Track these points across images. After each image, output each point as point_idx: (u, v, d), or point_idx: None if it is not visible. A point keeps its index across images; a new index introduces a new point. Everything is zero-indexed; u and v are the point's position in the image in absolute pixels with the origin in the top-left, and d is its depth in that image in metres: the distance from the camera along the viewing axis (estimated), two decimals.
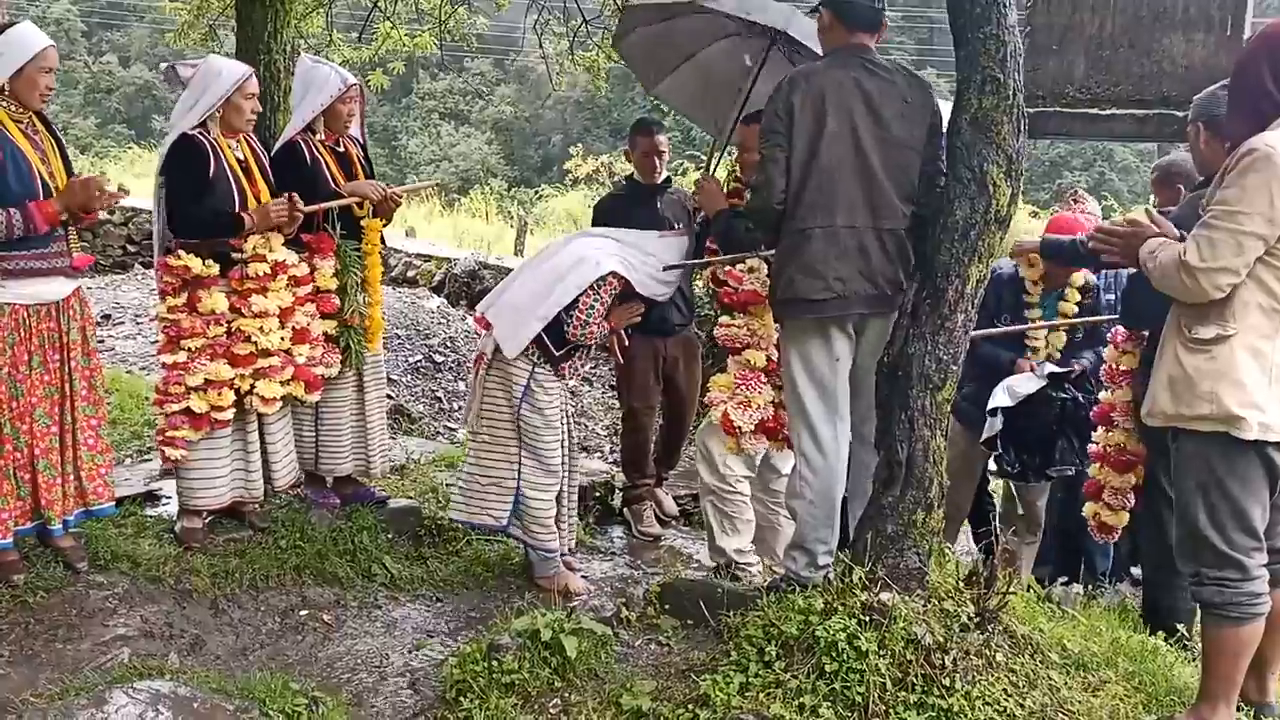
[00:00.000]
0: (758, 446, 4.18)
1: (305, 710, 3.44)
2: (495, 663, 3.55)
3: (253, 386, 4.63)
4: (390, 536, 4.99)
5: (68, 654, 3.80)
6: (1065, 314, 4.95)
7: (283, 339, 4.69)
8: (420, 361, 6.80)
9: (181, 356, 4.53)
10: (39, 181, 4.05)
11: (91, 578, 4.25)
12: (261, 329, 4.60)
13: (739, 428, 4.12)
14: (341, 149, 4.97)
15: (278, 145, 4.93)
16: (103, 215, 7.82)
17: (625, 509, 5.85)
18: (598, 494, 5.96)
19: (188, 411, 4.53)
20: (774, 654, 3.28)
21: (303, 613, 4.38)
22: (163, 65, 5.12)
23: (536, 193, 25.02)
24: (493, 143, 39.38)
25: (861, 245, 3.61)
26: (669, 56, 5.39)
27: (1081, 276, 4.94)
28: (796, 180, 3.63)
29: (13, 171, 3.99)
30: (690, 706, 3.22)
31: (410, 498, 5.43)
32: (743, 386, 4.18)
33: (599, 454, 7.31)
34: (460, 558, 5.04)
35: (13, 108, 4.06)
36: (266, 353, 4.63)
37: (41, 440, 4.16)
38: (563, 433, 4.71)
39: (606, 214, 5.62)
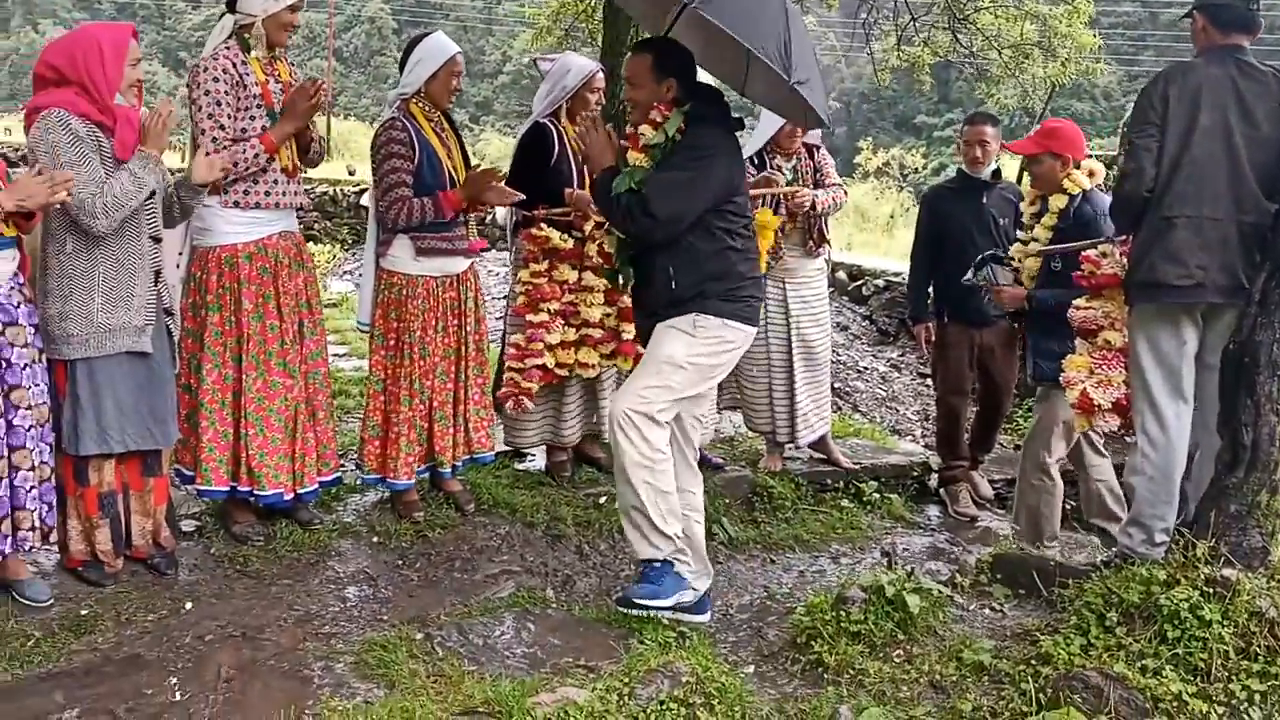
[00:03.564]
0: (1110, 424, 4.32)
1: (674, 640, 3.88)
2: (842, 613, 3.87)
3: (576, 352, 5.16)
4: (726, 501, 5.43)
5: (465, 582, 4.41)
6: None
7: (607, 315, 5.18)
8: None
9: (544, 317, 5.10)
10: (447, 175, 4.67)
11: (477, 519, 4.89)
12: (587, 302, 5.12)
13: (1097, 405, 4.27)
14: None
15: (525, 127, 5.42)
16: None
17: (941, 490, 6.07)
18: (915, 474, 6.21)
19: (542, 366, 5.10)
20: (1114, 620, 3.46)
21: None
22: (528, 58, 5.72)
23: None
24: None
25: (1224, 237, 3.73)
26: None
27: None
28: (1166, 170, 3.78)
29: (427, 167, 4.61)
30: (1032, 663, 3.45)
31: (741, 466, 5.85)
32: (1101, 366, 4.32)
33: (910, 437, 7.54)
34: (788, 524, 5.44)
35: (427, 108, 4.69)
36: (588, 323, 5.14)
37: (439, 394, 4.77)
38: None
39: (932, 204, 5.84)
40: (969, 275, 5.09)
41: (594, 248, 5.06)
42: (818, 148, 5.76)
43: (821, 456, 6.01)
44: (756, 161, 5.53)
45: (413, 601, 4.20)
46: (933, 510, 6.00)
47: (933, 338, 5.74)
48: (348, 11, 60.41)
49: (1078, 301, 4.42)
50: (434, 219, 4.59)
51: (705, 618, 4.16)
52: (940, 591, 4.03)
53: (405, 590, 4.29)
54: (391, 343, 4.73)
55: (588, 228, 5.05)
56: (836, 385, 7.56)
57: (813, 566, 5.11)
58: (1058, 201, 4.82)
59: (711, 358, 3.97)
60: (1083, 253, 4.40)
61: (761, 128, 5.62)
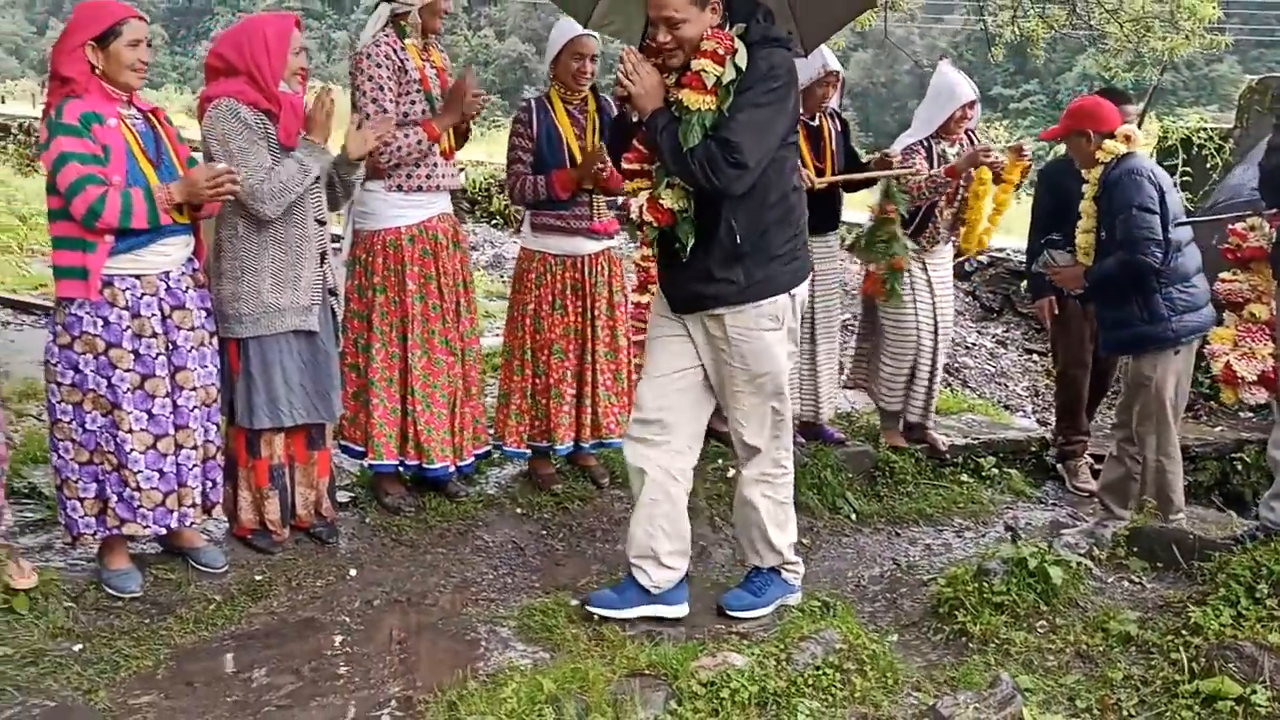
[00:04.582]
0: (1257, 396, 4.34)
1: (819, 610, 3.99)
2: (984, 584, 3.96)
3: None
4: (849, 475, 5.53)
5: (607, 552, 4.57)
6: None
7: None
8: (849, 320, 7.29)
9: (648, 297, 5.18)
10: (566, 155, 4.79)
11: (613, 493, 5.05)
12: None
13: (1242, 378, 4.30)
14: (816, 123, 5.47)
15: None
16: None
17: (1060, 464, 6.11)
18: (1032, 449, 6.25)
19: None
20: (1265, 591, 3.52)
21: None
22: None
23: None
24: (847, 109, 39.50)
25: None
26: None
27: None
28: None
29: (547, 147, 4.74)
30: (1181, 634, 3.51)
31: (861, 441, 5.94)
32: (1246, 339, 4.34)
33: (1020, 412, 7.56)
34: (910, 498, 5.53)
35: (563, 90, 4.82)
36: None
37: (555, 371, 4.89)
38: None
39: (1051, 179, 5.83)
40: (1034, 264, 5.19)
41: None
42: (974, 130, 5.80)
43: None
44: (926, 146, 5.57)
45: (561, 570, 4.37)
46: (1049, 485, 6.04)
47: (1056, 311, 5.77)
48: None
49: (1223, 275, 4.43)
50: (547, 197, 4.71)
51: (683, 610, 3.95)
52: (1080, 564, 4.10)
53: (552, 559, 4.46)
54: (514, 314, 4.91)
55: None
56: (945, 362, 7.61)
57: (938, 540, 5.20)
58: (1095, 174, 4.84)
59: (795, 329, 3.81)
60: (1229, 225, 4.42)
61: (931, 110, 5.64)
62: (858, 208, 6.92)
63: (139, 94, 3.80)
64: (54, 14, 61.35)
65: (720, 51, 3.37)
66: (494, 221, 12.73)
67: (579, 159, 4.75)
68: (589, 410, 5.00)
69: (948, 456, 5.91)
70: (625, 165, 3.68)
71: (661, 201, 3.52)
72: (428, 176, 4.46)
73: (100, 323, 3.64)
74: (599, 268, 4.93)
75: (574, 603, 3.95)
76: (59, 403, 3.72)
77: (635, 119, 3.54)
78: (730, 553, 4.72)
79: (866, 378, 5.93)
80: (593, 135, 4.89)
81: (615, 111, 4.13)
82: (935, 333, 5.69)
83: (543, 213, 4.79)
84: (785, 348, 3.72)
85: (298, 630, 3.72)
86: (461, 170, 4.79)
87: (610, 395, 5.02)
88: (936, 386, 5.81)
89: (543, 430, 4.96)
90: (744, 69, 3.35)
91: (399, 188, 4.43)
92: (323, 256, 4.17)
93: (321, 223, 4.15)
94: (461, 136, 4.63)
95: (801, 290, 3.74)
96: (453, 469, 4.61)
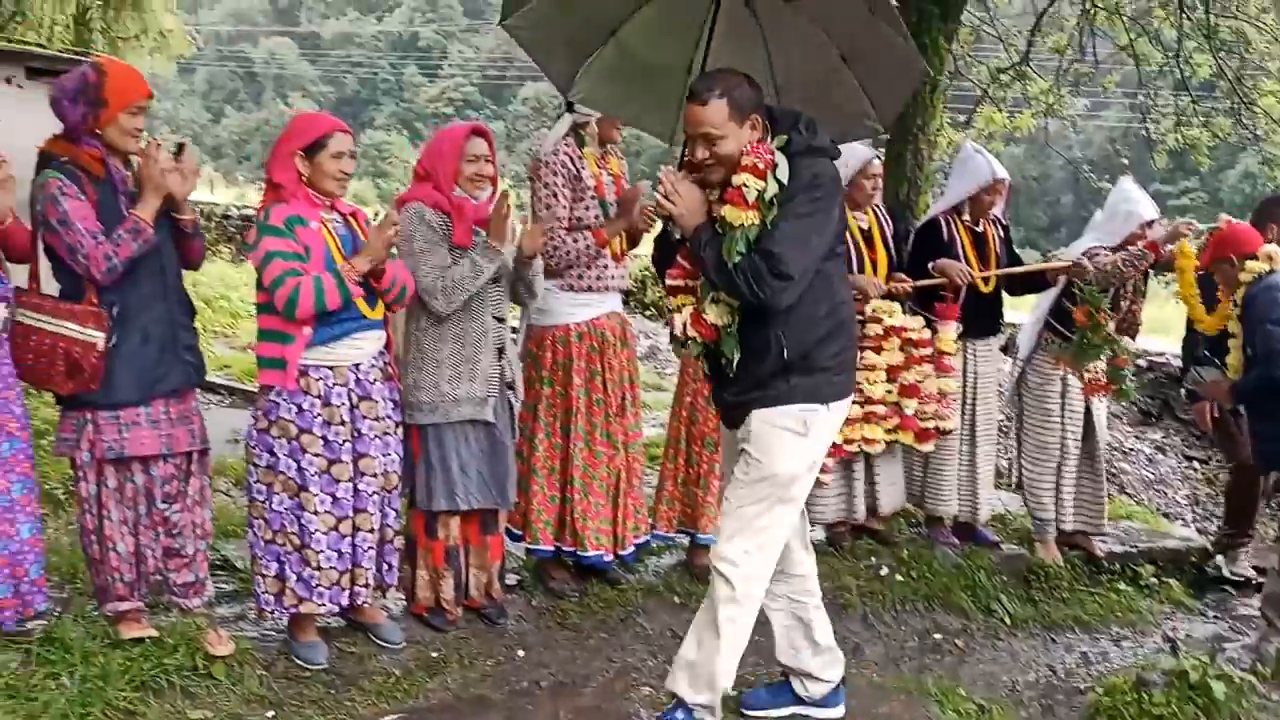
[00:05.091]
0: None
1: (975, 713, 4.03)
2: (1143, 695, 3.96)
3: (860, 429, 5.35)
4: (1003, 578, 5.53)
5: (762, 645, 4.59)
6: None
7: (889, 391, 5.38)
8: (1001, 421, 7.30)
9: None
10: None
11: None
12: (868, 380, 5.31)
13: None
14: (980, 229, 5.61)
15: (923, 220, 5.68)
16: None
17: (1220, 556, 6.03)
18: (1192, 559, 6.15)
19: None
20: None
21: (937, 635, 5.01)
22: None
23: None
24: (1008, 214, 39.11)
25: None
26: (581, 38, 4.03)
27: None
28: None
29: None
30: None
31: (1015, 544, 5.93)
32: None
33: (1180, 520, 7.43)
34: (1066, 604, 5.50)
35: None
36: (871, 400, 5.34)
37: (705, 463, 5.00)
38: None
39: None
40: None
41: (875, 327, 5.29)
42: (1001, 217, 5.83)
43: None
44: (947, 223, 5.57)
45: None
46: (1211, 597, 5.93)
47: (1217, 414, 5.72)
48: None
49: None
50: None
51: (839, 711, 3.95)
52: (1244, 679, 4.06)
53: None
54: (675, 405, 5.14)
55: (867, 309, 5.27)
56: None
57: (1094, 648, 5.16)
58: (1238, 294, 4.85)
59: (822, 447, 3.57)
60: None
61: (1112, 225, 5.68)
62: (1018, 308, 6.98)
63: (340, 199, 4.14)
64: (229, 102, 65.16)
65: (761, 166, 3.30)
66: (648, 313, 13.02)
67: None
68: None
69: (1105, 563, 5.86)
70: (670, 281, 3.64)
71: (706, 316, 3.47)
72: (598, 277, 4.71)
73: (294, 409, 3.93)
74: None
75: (734, 693, 4.06)
76: (255, 483, 4.02)
77: (678, 236, 3.55)
78: (884, 650, 4.78)
79: (1017, 481, 5.95)
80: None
81: None
82: (1086, 437, 5.69)
83: None
84: (802, 458, 3.48)
85: (471, 707, 3.91)
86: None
87: None
88: (1102, 493, 5.78)
89: (690, 517, 5.11)
90: (785, 181, 3.30)
91: (570, 287, 4.69)
92: (500, 351, 4.42)
93: (500, 319, 4.42)
94: (633, 240, 4.88)
95: (840, 407, 3.56)
96: (609, 557, 4.78)
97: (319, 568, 3.97)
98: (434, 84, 64.31)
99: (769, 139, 3.36)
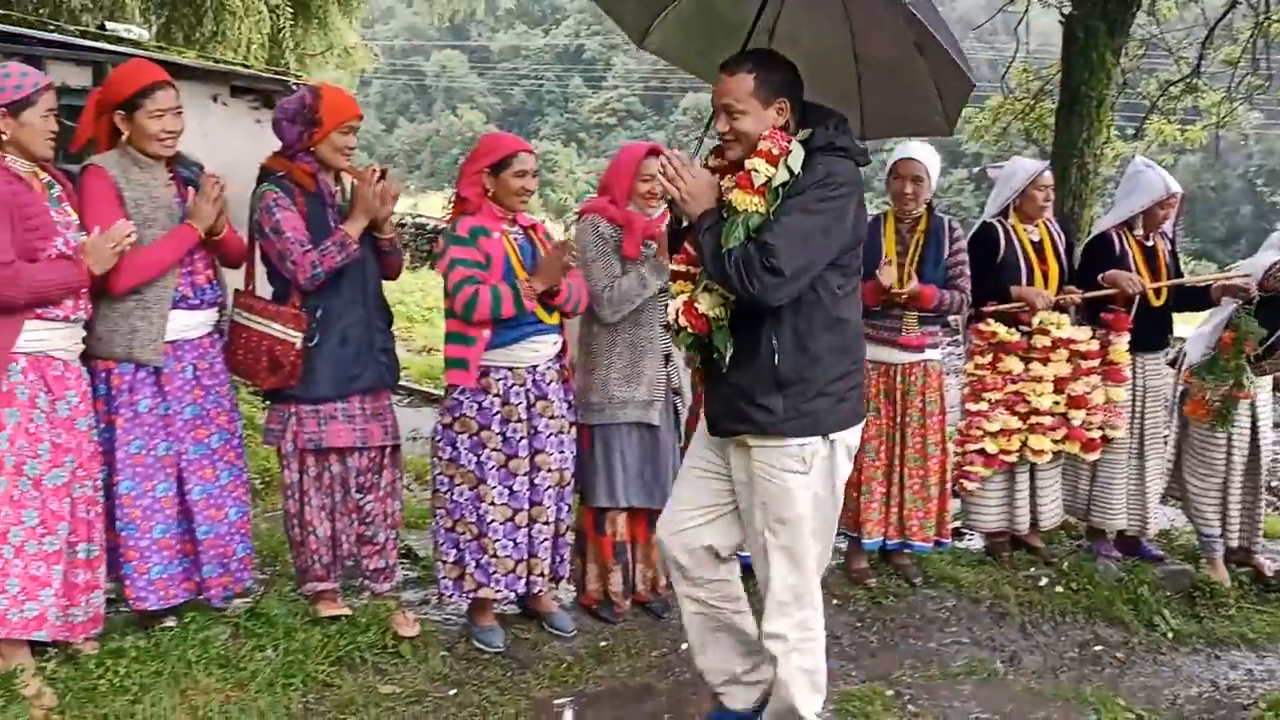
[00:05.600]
0: None
1: None
2: None
3: (1025, 439, 5.40)
4: (1167, 593, 5.48)
5: (919, 648, 4.75)
6: None
7: (1056, 403, 5.39)
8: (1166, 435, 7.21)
9: (983, 406, 5.41)
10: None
11: (925, 591, 5.24)
12: (1035, 391, 5.36)
13: None
14: (1150, 244, 5.59)
15: (1093, 233, 5.69)
16: None
17: None
18: None
19: (981, 451, 5.41)
20: None
21: (1097, 647, 5.00)
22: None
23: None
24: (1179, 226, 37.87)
25: None
26: None
27: None
28: None
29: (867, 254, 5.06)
30: None
31: (1179, 559, 5.87)
32: None
33: None
34: (1232, 620, 5.41)
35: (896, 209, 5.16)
36: (1038, 411, 5.37)
37: (867, 469, 5.14)
38: None
39: None
40: None
41: (1043, 339, 5.32)
42: (1169, 231, 5.74)
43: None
44: (1118, 237, 5.55)
45: (875, 661, 4.60)
46: None
47: None
48: None
49: None
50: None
51: None
52: None
53: (867, 650, 4.69)
54: None
55: (1035, 321, 5.32)
56: (1271, 482, 7.35)
57: (1260, 665, 5.07)
58: None
59: (833, 487, 3.38)
60: None
61: (1129, 199, 5.59)
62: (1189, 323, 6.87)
63: (522, 213, 4.41)
64: (401, 114, 67.34)
65: (775, 152, 3.15)
66: None
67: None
68: (896, 510, 5.24)
69: (1274, 581, 5.74)
70: (673, 267, 3.55)
71: (697, 306, 3.30)
72: None
73: (475, 407, 4.23)
74: (912, 378, 5.19)
75: (889, 693, 4.18)
76: (439, 475, 4.33)
77: (685, 223, 3.41)
78: (1042, 659, 4.81)
79: (1180, 496, 5.88)
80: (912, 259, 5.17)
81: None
82: (1252, 452, 5.61)
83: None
84: (811, 493, 3.32)
85: (637, 694, 4.12)
86: None
87: (917, 500, 5.22)
88: (1260, 509, 5.68)
89: (854, 521, 5.23)
90: (798, 172, 3.14)
91: None
92: (667, 358, 4.63)
93: (667, 328, 4.63)
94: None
95: (847, 437, 3.38)
96: None
97: (495, 555, 4.25)
98: (597, 95, 65.44)
99: (795, 131, 3.25)
